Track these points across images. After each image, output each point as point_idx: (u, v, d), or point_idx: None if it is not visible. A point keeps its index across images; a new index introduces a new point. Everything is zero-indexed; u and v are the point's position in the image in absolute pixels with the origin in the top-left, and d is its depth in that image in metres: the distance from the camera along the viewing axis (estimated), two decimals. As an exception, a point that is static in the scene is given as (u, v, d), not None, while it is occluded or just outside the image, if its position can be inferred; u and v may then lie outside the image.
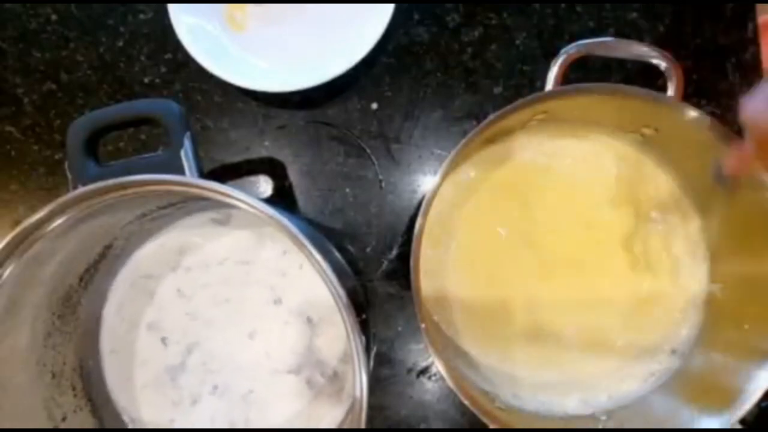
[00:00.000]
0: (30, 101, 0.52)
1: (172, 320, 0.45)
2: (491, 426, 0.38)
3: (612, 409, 0.44)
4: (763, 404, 0.42)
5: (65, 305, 0.42)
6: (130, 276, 0.46)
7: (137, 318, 0.46)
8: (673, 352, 0.45)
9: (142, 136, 0.51)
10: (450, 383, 0.37)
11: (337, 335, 0.44)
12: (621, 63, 0.48)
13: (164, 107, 0.37)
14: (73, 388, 0.43)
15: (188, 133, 0.36)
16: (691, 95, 0.48)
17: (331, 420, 0.44)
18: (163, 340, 0.45)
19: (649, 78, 0.41)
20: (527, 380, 0.45)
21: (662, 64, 0.40)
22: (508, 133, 0.46)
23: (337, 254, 0.45)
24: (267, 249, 0.45)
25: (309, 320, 0.44)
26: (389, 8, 0.46)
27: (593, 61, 0.42)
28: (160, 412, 0.45)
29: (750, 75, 0.49)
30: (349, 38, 0.49)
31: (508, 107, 0.38)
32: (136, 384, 0.45)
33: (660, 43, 0.43)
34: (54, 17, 0.53)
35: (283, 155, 0.51)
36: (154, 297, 0.46)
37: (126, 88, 0.52)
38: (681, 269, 0.46)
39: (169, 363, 0.45)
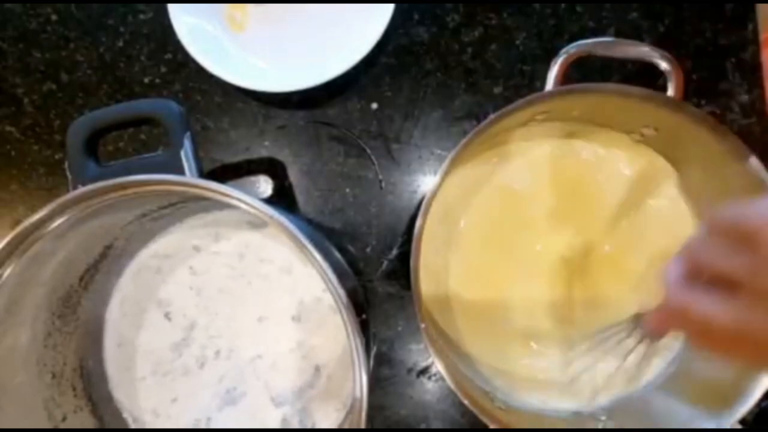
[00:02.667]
0: (30, 101, 0.52)
1: (180, 296, 0.46)
2: (491, 426, 0.38)
3: (612, 409, 0.44)
4: (763, 404, 0.42)
5: (65, 305, 0.42)
6: (134, 272, 0.46)
7: (145, 303, 0.46)
8: (673, 352, 0.45)
9: (142, 136, 0.51)
10: (450, 383, 0.37)
11: (335, 395, 0.44)
12: (621, 63, 0.48)
13: (164, 107, 0.37)
14: (73, 388, 0.43)
15: (188, 133, 0.36)
16: (691, 95, 0.48)
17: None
18: (167, 314, 0.45)
19: (649, 78, 0.41)
20: (527, 379, 0.45)
21: (662, 64, 0.40)
22: (508, 133, 0.46)
23: (337, 254, 0.45)
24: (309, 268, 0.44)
25: (317, 368, 0.44)
26: (389, 8, 0.46)
27: (593, 61, 0.42)
28: (162, 395, 0.45)
29: (750, 75, 0.49)
30: (349, 38, 0.49)
31: (508, 107, 0.38)
32: (137, 374, 0.45)
33: (660, 43, 0.43)
34: (54, 17, 0.53)
35: (283, 155, 0.51)
36: (167, 277, 0.46)
37: (126, 88, 0.52)
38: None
39: (174, 340, 0.45)
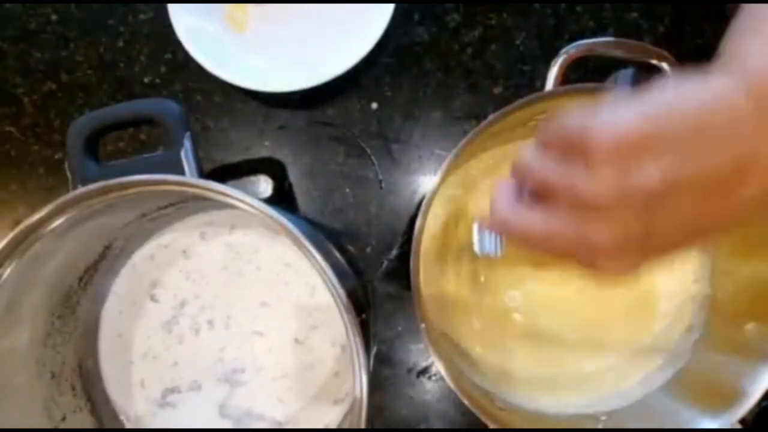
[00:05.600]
0: (30, 101, 0.52)
1: (170, 276, 0.46)
2: (491, 426, 0.38)
3: (612, 409, 0.44)
4: (763, 404, 0.42)
5: (65, 305, 0.42)
6: (130, 268, 0.46)
7: (138, 295, 0.46)
8: (673, 351, 0.45)
9: (142, 136, 0.51)
10: (450, 383, 0.37)
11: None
12: (621, 63, 0.48)
13: (164, 107, 0.37)
14: (73, 388, 0.43)
15: (188, 133, 0.36)
16: (691, 95, 0.48)
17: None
18: (154, 296, 0.45)
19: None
20: (527, 380, 0.45)
21: (662, 64, 0.40)
22: (508, 133, 0.46)
23: (337, 254, 0.45)
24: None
25: (279, 423, 0.44)
26: (389, 8, 0.46)
27: (593, 61, 0.42)
28: (157, 370, 0.45)
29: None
30: (349, 38, 0.49)
31: (508, 107, 0.38)
32: (131, 368, 0.45)
33: (660, 43, 0.43)
34: (54, 17, 0.53)
35: (283, 155, 0.51)
36: (160, 262, 0.46)
37: (126, 88, 0.52)
38: (681, 269, 0.46)
39: (165, 319, 0.45)
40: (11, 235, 0.34)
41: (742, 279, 0.43)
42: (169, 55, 0.52)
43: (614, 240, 0.23)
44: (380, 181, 0.50)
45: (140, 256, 0.46)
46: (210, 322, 0.45)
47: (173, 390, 0.45)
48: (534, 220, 0.25)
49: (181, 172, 0.36)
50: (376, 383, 0.49)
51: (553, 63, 0.40)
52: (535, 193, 0.26)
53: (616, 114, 0.22)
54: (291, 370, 0.44)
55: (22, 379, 0.39)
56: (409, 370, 0.49)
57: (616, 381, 0.45)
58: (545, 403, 0.45)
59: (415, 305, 0.38)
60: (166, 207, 0.43)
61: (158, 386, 0.45)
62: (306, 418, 0.44)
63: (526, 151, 0.26)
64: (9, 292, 0.36)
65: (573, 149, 0.23)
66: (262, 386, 0.45)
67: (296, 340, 0.44)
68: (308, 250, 0.33)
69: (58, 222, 0.35)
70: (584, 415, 0.44)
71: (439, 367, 0.38)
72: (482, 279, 0.46)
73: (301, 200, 0.50)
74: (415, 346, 0.49)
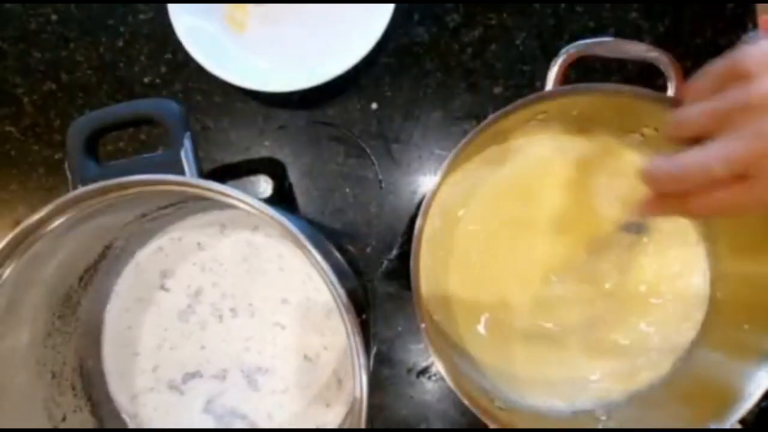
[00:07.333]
0: (30, 101, 0.52)
1: (184, 267, 0.45)
2: (491, 426, 0.38)
3: (612, 409, 0.44)
4: (763, 404, 0.42)
5: (65, 305, 0.42)
6: (135, 265, 0.46)
7: (147, 289, 0.46)
8: (673, 351, 0.45)
9: (142, 136, 0.51)
10: (450, 383, 0.37)
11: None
12: (621, 63, 0.48)
13: (164, 107, 0.37)
14: (73, 388, 0.43)
15: (188, 133, 0.36)
16: (691, 95, 0.48)
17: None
18: (164, 286, 0.45)
19: (649, 78, 0.41)
20: (527, 380, 0.45)
21: (662, 64, 0.40)
22: (508, 133, 0.46)
23: (337, 254, 0.45)
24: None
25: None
26: (389, 8, 0.46)
27: (593, 61, 0.42)
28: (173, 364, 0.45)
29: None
30: (349, 38, 0.49)
31: (508, 107, 0.38)
32: (139, 363, 0.45)
33: (660, 43, 0.43)
34: (54, 17, 0.53)
35: (283, 155, 0.51)
36: (170, 254, 0.46)
37: (126, 88, 0.52)
38: (681, 269, 0.46)
39: (180, 308, 0.45)
40: (11, 235, 0.34)
41: (741, 280, 0.43)
42: (169, 55, 0.52)
43: None
44: (380, 181, 0.50)
45: (144, 253, 0.46)
46: (233, 310, 0.45)
47: (194, 375, 0.45)
48: (711, 148, 0.25)
49: (181, 172, 0.36)
50: (376, 383, 0.49)
51: (553, 63, 0.40)
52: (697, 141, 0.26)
53: (757, 42, 0.25)
54: (291, 385, 0.44)
55: (22, 379, 0.39)
56: (409, 370, 0.49)
57: (615, 381, 0.45)
58: (545, 403, 0.45)
59: (415, 305, 0.38)
60: (166, 207, 0.43)
61: (178, 370, 0.45)
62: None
63: (679, 111, 0.27)
64: (9, 292, 0.36)
65: (728, 79, 0.25)
66: (262, 397, 0.44)
67: (305, 357, 0.44)
68: (308, 250, 0.33)
69: (58, 222, 0.35)
70: (584, 415, 0.44)
71: (439, 367, 0.38)
72: (483, 279, 0.46)
73: (301, 200, 0.50)
74: (415, 346, 0.49)
